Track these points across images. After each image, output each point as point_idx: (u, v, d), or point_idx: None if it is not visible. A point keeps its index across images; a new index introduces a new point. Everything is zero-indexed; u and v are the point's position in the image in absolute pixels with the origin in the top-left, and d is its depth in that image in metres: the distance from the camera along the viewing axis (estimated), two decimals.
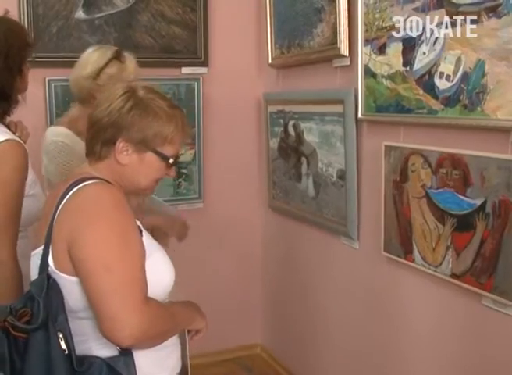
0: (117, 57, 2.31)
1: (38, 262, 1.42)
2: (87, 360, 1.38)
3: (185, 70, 3.20)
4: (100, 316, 1.33)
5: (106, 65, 2.28)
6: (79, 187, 1.41)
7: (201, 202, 3.32)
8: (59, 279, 1.38)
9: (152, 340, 1.42)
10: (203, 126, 3.24)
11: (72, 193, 1.40)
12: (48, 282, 1.37)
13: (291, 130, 2.92)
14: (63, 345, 1.34)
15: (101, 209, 1.39)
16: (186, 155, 3.24)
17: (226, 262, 3.39)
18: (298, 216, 2.96)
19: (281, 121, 3.01)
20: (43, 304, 1.33)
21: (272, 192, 3.22)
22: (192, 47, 3.18)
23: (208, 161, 3.29)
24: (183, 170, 3.24)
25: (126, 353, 1.39)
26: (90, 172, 1.48)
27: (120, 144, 1.45)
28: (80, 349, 1.38)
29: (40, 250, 1.43)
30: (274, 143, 3.12)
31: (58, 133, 2.26)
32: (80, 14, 2.93)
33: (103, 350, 1.40)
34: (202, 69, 3.23)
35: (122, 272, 1.35)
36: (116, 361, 1.39)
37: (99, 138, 1.47)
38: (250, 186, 3.42)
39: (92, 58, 2.30)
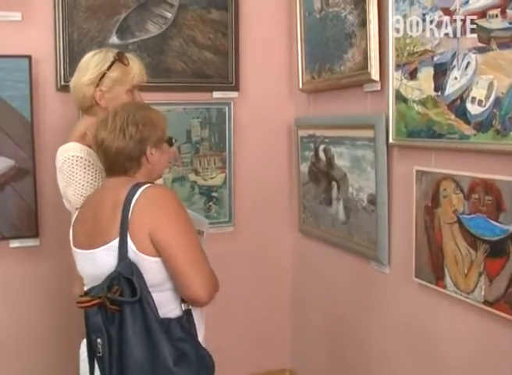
0: (120, 59, 2.18)
1: (113, 253, 1.75)
2: (166, 321, 1.76)
3: (216, 95, 3.23)
4: (184, 284, 1.75)
5: (109, 68, 2.16)
6: (143, 189, 1.78)
7: (232, 226, 3.32)
8: (141, 260, 1.74)
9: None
10: (234, 150, 3.26)
11: (140, 194, 1.77)
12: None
13: (322, 155, 2.92)
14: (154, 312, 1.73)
15: (173, 205, 1.81)
16: (217, 179, 3.26)
17: (256, 285, 3.38)
18: (328, 240, 2.95)
19: (312, 145, 3.02)
20: (137, 281, 1.71)
21: (303, 216, 3.22)
22: (223, 72, 3.21)
23: (238, 184, 3.30)
24: (214, 194, 3.26)
25: (187, 313, 1.83)
26: (128, 179, 1.86)
27: (149, 151, 1.87)
28: None
29: (114, 243, 1.76)
30: (304, 167, 3.13)
31: (71, 149, 2.15)
32: (114, 39, 2.99)
33: (172, 312, 1.80)
34: (233, 94, 3.25)
35: (195, 250, 1.78)
36: (182, 319, 1.81)
37: (132, 157, 1.86)
38: (280, 210, 3.42)
39: (93, 62, 2.18)
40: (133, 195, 1.77)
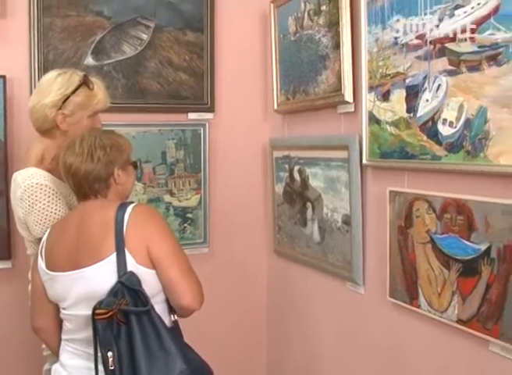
0: (85, 83, 2.13)
1: (110, 268, 1.82)
2: (169, 330, 1.87)
3: (191, 116, 3.24)
4: (178, 294, 1.88)
5: (73, 92, 2.11)
6: (132, 206, 1.90)
7: (206, 247, 3.31)
8: (141, 272, 1.84)
9: None
10: (209, 171, 3.26)
11: (132, 211, 1.88)
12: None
13: (296, 176, 2.94)
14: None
15: (162, 221, 1.98)
16: (192, 200, 3.26)
17: (231, 306, 3.38)
18: (303, 261, 2.95)
19: (286, 166, 3.04)
20: (143, 292, 1.81)
21: (277, 237, 3.23)
22: (199, 93, 3.23)
23: (213, 205, 3.30)
24: (189, 215, 3.25)
25: (176, 322, 1.97)
26: (109, 200, 1.98)
27: (116, 173, 1.99)
28: None
29: (110, 259, 1.83)
30: (279, 188, 3.14)
31: (33, 175, 2.10)
32: (90, 60, 2.99)
33: (165, 321, 1.88)
34: (208, 115, 3.26)
35: (186, 262, 1.93)
36: (174, 329, 1.94)
37: (100, 179, 1.96)
38: (255, 231, 3.42)
39: (56, 83, 2.12)
40: (123, 213, 1.88)
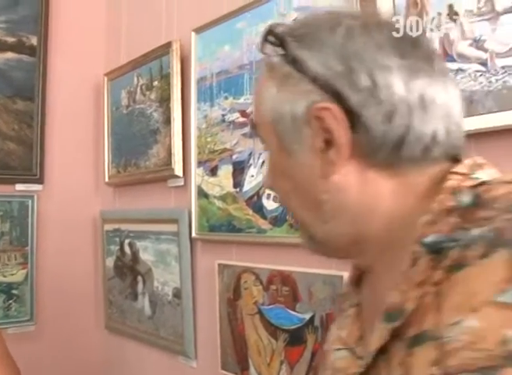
0: None
1: None
2: None
3: (19, 187, 3.10)
4: None
5: None
6: None
7: (33, 325, 3.14)
8: None
9: None
10: (37, 245, 3.12)
11: None
12: None
13: (127, 249, 2.91)
14: None
15: None
16: (18, 275, 3.09)
17: None
18: (135, 336, 2.89)
19: (117, 240, 3.00)
20: None
21: (109, 312, 3.14)
22: (27, 163, 3.12)
23: (41, 281, 3.16)
24: (14, 291, 3.08)
25: None
26: None
27: None
28: None
29: None
30: (110, 262, 3.08)
31: None
32: None
33: None
34: (37, 187, 3.15)
35: (2, 343, 1.74)
36: None
37: None
38: (85, 306, 3.31)
39: None
40: None
